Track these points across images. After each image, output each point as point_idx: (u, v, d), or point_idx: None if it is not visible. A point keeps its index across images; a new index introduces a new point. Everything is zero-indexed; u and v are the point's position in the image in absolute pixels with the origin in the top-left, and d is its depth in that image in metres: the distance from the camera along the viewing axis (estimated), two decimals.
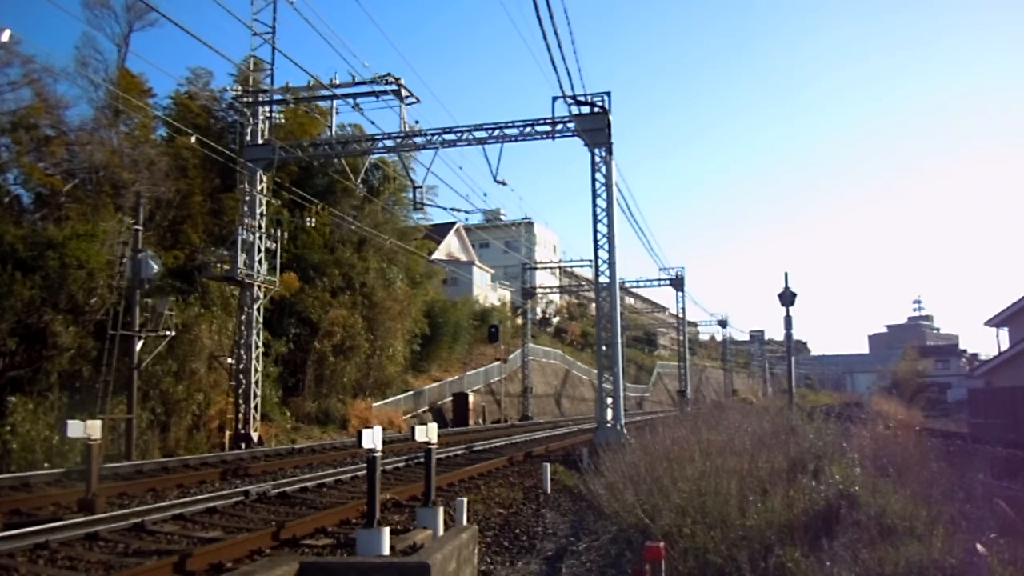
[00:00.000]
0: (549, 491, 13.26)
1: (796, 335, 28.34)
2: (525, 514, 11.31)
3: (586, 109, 20.26)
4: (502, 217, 52.41)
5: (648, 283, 49.93)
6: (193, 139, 22.62)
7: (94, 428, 10.42)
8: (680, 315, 51.66)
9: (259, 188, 22.64)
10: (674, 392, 62.51)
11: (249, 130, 22.66)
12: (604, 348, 21.19)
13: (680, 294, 49.48)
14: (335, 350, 29.90)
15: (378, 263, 33.88)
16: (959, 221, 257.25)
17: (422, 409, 35.86)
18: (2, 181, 22.99)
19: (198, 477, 14.17)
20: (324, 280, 30.15)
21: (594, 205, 20.68)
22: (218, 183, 27.56)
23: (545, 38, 14.15)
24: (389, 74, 20.66)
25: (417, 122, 21.75)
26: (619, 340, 21.01)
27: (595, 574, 7.97)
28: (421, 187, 22.64)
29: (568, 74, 28.95)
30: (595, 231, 20.55)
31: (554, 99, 20.03)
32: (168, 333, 19.80)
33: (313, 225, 28.52)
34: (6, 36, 18.76)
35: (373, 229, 32.07)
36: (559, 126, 20.58)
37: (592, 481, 11.93)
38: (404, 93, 20.77)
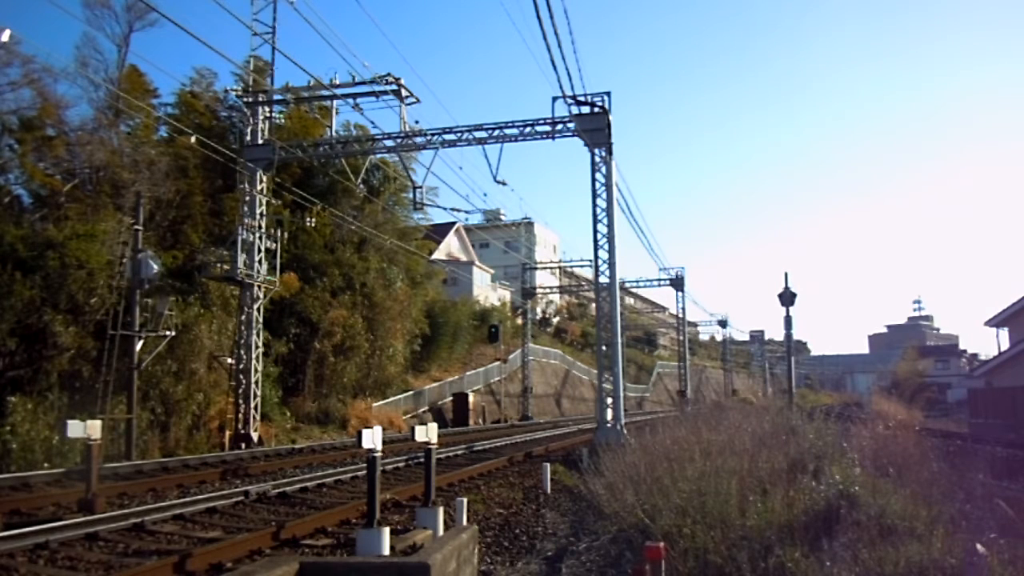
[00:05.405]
0: (549, 491, 13.26)
1: (796, 335, 28.37)
2: (525, 514, 11.30)
3: (586, 109, 20.25)
4: (502, 217, 52.12)
5: (648, 283, 49.92)
6: (193, 139, 22.62)
7: (94, 428, 10.42)
8: (680, 315, 51.66)
9: (259, 188, 22.64)
10: (674, 392, 62.44)
11: (249, 130, 22.66)
12: (604, 348, 21.20)
13: (680, 294, 49.54)
14: (335, 350, 29.90)
15: (378, 263, 33.87)
16: (959, 221, 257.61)
17: (422, 409, 35.84)
18: (3, 181, 23.00)
19: (198, 477, 14.17)
20: (324, 280, 30.13)
21: (594, 205, 20.69)
22: (219, 183, 27.55)
23: (545, 38, 14.14)
24: (389, 74, 20.64)
25: (417, 122, 21.76)
26: (619, 340, 21.00)
27: (595, 574, 7.96)
28: (421, 187, 22.62)
29: (568, 74, 28.92)
30: (595, 231, 20.57)
31: (554, 99, 20.04)
32: (168, 333, 19.80)
33: (313, 225, 28.53)
34: (6, 36, 18.73)
35: (373, 229, 32.06)
36: (559, 126, 20.57)
37: (592, 481, 11.92)
38: (404, 93, 20.74)
